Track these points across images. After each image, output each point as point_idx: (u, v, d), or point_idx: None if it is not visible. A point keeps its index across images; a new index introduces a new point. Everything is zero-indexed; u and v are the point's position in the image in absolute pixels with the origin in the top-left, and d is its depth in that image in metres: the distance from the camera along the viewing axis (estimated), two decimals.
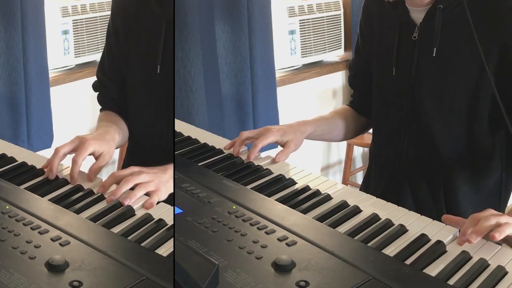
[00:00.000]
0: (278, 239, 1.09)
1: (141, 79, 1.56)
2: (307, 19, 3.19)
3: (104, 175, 1.38)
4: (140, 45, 1.55)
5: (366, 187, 1.63)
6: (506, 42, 1.33)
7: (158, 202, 1.26)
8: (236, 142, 1.49)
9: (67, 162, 1.39)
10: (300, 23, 3.16)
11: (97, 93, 1.68)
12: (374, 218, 1.20)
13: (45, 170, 1.36)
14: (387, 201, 1.29)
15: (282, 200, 1.26)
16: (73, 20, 2.95)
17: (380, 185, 1.55)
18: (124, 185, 1.26)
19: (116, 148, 1.53)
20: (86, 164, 1.38)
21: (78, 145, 1.38)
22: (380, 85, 1.54)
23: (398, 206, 1.26)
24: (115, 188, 1.26)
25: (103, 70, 1.65)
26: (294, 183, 1.36)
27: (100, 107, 1.68)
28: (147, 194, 1.27)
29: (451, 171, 1.44)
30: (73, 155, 1.37)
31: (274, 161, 1.46)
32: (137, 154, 1.62)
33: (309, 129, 1.56)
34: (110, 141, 1.45)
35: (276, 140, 1.49)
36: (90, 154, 1.41)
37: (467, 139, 1.42)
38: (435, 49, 1.38)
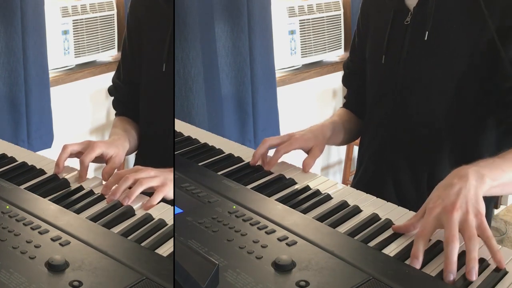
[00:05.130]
0: (278, 239, 1.09)
1: (149, 79, 1.57)
2: (307, 19, 3.19)
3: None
4: (151, 44, 1.56)
5: (354, 181, 1.63)
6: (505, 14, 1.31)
7: (164, 201, 1.25)
8: (259, 151, 1.44)
9: (70, 163, 1.40)
10: (300, 23, 3.16)
11: (112, 98, 1.70)
12: (374, 218, 1.20)
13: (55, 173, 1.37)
14: (369, 193, 1.29)
15: (282, 200, 1.26)
16: (73, 20, 2.95)
17: (365, 177, 1.55)
18: (123, 183, 1.26)
19: (127, 155, 1.54)
20: (90, 166, 1.39)
21: (86, 146, 1.39)
22: (371, 75, 1.54)
23: (383, 199, 1.27)
24: (114, 187, 1.26)
25: (118, 73, 1.68)
26: (294, 183, 1.36)
27: (115, 112, 1.70)
28: (152, 191, 1.26)
29: (436, 164, 1.43)
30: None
31: (304, 170, 1.42)
32: (145, 154, 1.63)
33: (329, 133, 1.55)
34: (119, 146, 1.46)
35: (300, 147, 1.47)
36: (99, 160, 1.42)
37: (454, 129, 1.41)
38: (427, 32, 1.37)
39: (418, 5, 1.40)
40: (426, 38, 1.38)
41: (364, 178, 1.56)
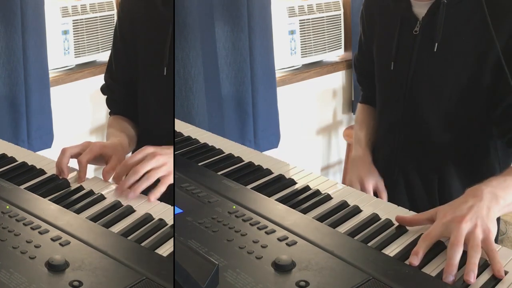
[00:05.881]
0: (278, 239, 1.09)
1: (148, 81, 1.56)
2: (307, 19, 3.18)
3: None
4: (148, 47, 1.55)
5: None
6: None
7: (164, 200, 1.26)
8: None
9: (70, 163, 1.40)
10: (300, 23, 3.15)
11: (106, 96, 1.69)
12: (374, 218, 1.20)
13: (55, 174, 1.37)
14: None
15: (282, 200, 1.26)
16: (73, 20, 2.95)
17: None
18: (132, 176, 1.27)
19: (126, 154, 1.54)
20: (90, 166, 1.38)
21: (85, 148, 1.39)
22: (380, 80, 1.55)
23: (393, 202, 1.27)
24: (123, 180, 1.28)
25: (111, 73, 1.66)
26: (294, 183, 1.36)
27: (109, 110, 1.69)
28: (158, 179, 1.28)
29: (446, 168, 1.45)
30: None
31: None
32: None
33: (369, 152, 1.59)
34: (119, 148, 1.46)
35: None
36: (99, 162, 1.41)
37: (463, 136, 1.43)
38: (436, 44, 1.38)
39: (427, 15, 1.40)
40: (435, 50, 1.38)
41: None
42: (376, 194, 1.48)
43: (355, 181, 1.51)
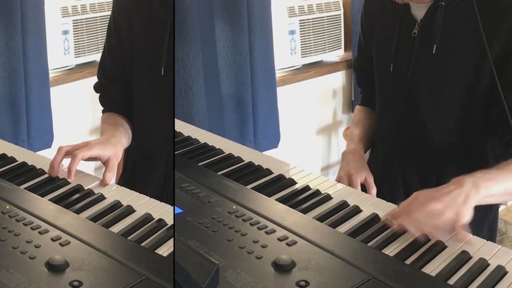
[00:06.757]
0: (278, 239, 1.09)
1: (145, 81, 1.55)
2: (307, 19, 3.18)
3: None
4: (144, 46, 1.54)
5: None
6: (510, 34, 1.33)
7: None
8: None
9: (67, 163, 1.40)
10: (300, 23, 3.15)
11: (99, 94, 1.68)
12: (374, 218, 1.20)
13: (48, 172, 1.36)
14: (380, 195, 1.29)
15: (282, 200, 1.26)
16: (73, 20, 2.95)
17: (375, 178, 1.56)
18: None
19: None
20: (90, 166, 1.39)
21: (82, 146, 1.39)
22: (379, 81, 1.55)
23: (391, 201, 1.27)
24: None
25: (104, 71, 1.64)
26: (294, 183, 1.36)
27: (102, 108, 1.68)
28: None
29: (443, 167, 1.46)
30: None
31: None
32: (140, 155, 1.61)
33: (363, 153, 1.60)
34: (116, 144, 1.45)
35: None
36: (96, 159, 1.41)
37: (461, 137, 1.44)
38: (435, 46, 1.38)
39: (426, 17, 1.41)
40: (434, 52, 1.38)
41: (374, 180, 1.57)
42: (365, 189, 1.47)
43: (344, 175, 1.49)
